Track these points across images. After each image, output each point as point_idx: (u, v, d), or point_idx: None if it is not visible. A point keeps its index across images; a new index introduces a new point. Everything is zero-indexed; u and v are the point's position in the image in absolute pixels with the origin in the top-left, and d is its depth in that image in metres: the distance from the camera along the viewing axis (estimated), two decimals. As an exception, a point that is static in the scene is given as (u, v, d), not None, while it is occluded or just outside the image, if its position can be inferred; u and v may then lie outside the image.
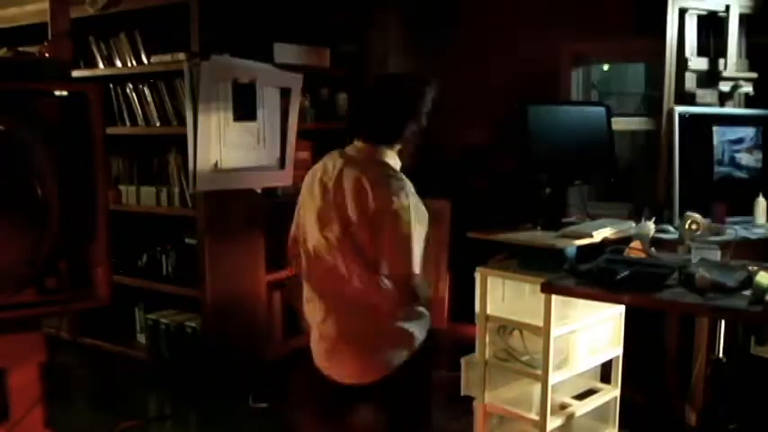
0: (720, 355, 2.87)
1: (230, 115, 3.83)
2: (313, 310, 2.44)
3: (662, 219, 3.36)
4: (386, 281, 2.27)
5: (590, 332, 3.09)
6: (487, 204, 4.46)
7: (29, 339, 2.15)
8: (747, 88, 3.68)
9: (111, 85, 4.34)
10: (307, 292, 2.46)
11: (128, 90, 4.33)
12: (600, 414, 3.26)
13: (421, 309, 2.41)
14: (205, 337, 4.07)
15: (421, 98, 2.40)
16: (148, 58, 4.20)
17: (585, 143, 3.34)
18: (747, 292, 2.32)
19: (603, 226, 3.06)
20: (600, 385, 3.32)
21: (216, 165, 3.81)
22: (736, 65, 3.67)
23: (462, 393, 3.23)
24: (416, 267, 2.25)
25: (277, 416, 3.77)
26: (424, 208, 2.32)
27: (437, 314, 4.72)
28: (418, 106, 2.38)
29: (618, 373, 3.25)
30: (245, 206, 4.12)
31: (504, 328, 3.05)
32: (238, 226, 4.12)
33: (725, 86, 3.65)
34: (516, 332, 3.04)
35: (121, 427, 3.62)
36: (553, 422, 2.94)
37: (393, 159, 2.38)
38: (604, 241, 2.98)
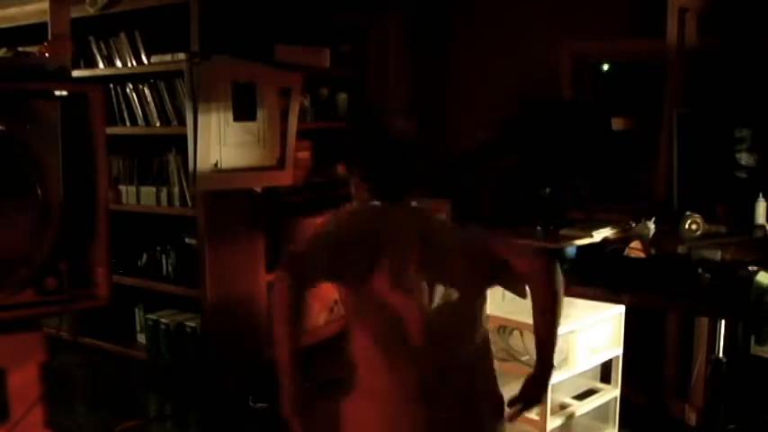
0: (720, 354, 2.87)
1: (230, 115, 3.83)
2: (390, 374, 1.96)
3: (662, 219, 3.36)
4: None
5: (590, 332, 3.09)
6: (487, 204, 4.46)
7: (29, 339, 2.16)
8: (747, 88, 3.67)
9: (111, 85, 4.34)
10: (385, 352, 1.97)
11: (128, 90, 4.32)
12: (600, 414, 3.26)
13: None
14: (205, 337, 4.07)
15: None
16: (148, 58, 4.20)
17: (585, 143, 3.34)
18: (747, 293, 2.33)
19: (603, 226, 3.06)
20: (600, 385, 3.32)
21: (216, 165, 3.81)
22: (736, 64, 3.67)
23: (462, 393, 3.23)
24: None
25: (277, 416, 3.77)
26: None
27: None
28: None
29: (618, 373, 3.25)
30: (245, 206, 4.13)
31: (504, 328, 3.05)
32: (238, 226, 4.12)
33: (725, 86, 3.64)
34: (516, 332, 3.04)
35: (122, 427, 3.62)
36: (553, 422, 2.95)
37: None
38: (604, 241, 2.98)
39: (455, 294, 1.99)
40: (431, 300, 1.96)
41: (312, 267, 1.91)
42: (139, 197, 4.34)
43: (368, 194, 2.07)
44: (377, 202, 2.06)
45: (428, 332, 1.95)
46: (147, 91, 4.25)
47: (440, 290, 1.98)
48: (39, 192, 1.97)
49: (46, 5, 3.08)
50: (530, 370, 2.74)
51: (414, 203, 2.08)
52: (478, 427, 2.05)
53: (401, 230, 2.00)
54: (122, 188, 4.40)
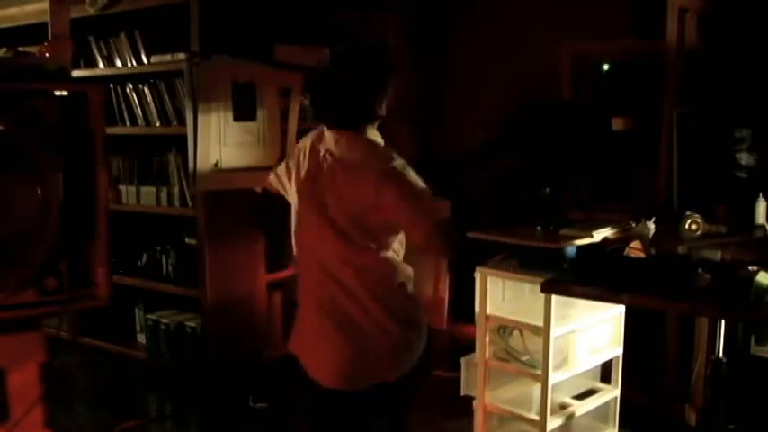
0: (720, 355, 2.87)
1: (230, 115, 3.83)
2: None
3: (662, 219, 3.36)
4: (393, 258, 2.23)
5: (590, 332, 3.09)
6: (487, 204, 4.46)
7: (29, 339, 2.15)
8: (747, 88, 3.67)
9: (111, 85, 4.34)
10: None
11: (128, 90, 4.33)
12: (600, 414, 3.26)
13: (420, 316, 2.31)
14: (205, 337, 4.07)
15: (388, 70, 2.26)
16: (148, 58, 4.20)
17: (585, 143, 3.34)
18: (747, 293, 2.32)
19: (603, 226, 3.06)
20: (600, 385, 3.32)
21: (216, 165, 3.81)
22: (736, 65, 3.67)
23: (462, 393, 3.23)
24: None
25: (277, 416, 3.77)
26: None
27: (437, 314, 4.72)
28: (386, 79, 2.24)
29: (618, 373, 3.25)
30: (245, 206, 4.12)
31: (504, 328, 3.05)
32: (238, 226, 4.12)
33: (725, 86, 3.64)
34: (516, 332, 3.04)
35: (122, 427, 3.62)
36: (553, 422, 2.94)
37: (375, 137, 2.26)
38: (604, 241, 2.98)
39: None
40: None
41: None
42: (139, 197, 4.34)
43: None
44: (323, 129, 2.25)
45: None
46: (147, 91, 4.25)
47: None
48: (39, 192, 1.97)
49: (46, 5, 3.09)
50: (530, 370, 2.75)
51: (349, 132, 2.19)
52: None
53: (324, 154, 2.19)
54: (122, 188, 4.40)
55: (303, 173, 2.26)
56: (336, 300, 2.21)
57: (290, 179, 2.35)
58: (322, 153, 2.22)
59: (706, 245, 2.82)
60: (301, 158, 2.29)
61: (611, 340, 3.22)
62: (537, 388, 2.96)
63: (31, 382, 2.16)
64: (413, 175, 2.15)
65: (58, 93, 2.05)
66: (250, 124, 3.93)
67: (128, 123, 4.36)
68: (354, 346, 2.20)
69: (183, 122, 3.93)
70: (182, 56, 3.83)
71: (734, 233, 3.14)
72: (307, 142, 2.31)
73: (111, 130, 4.15)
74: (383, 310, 2.19)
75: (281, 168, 2.43)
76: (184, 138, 3.78)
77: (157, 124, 4.24)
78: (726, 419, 2.95)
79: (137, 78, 4.29)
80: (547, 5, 4.35)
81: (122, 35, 4.35)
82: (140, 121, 4.31)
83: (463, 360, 3.24)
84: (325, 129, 2.24)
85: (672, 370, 3.55)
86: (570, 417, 3.08)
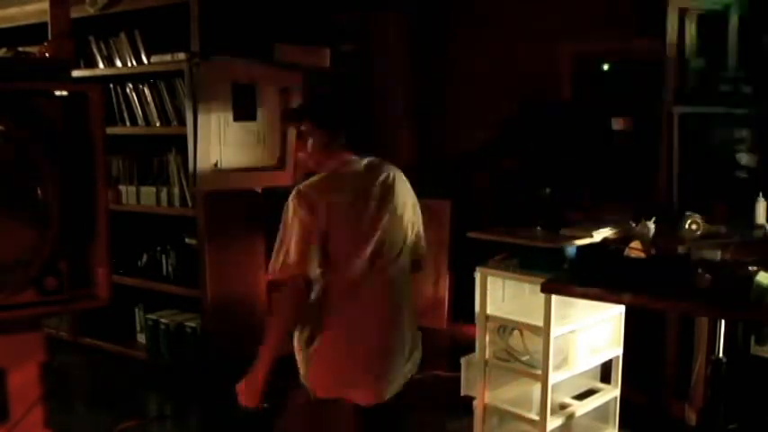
0: (720, 355, 2.87)
1: (230, 115, 3.83)
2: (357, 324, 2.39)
3: (662, 219, 3.36)
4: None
5: (590, 332, 3.09)
6: (487, 204, 4.46)
7: (29, 339, 2.15)
8: (747, 88, 3.67)
9: (111, 85, 4.34)
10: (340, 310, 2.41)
11: (128, 90, 4.33)
12: (600, 414, 3.26)
13: None
14: (205, 337, 4.07)
15: None
16: (148, 58, 4.21)
17: (585, 143, 3.35)
18: (747, 293, 2.32)
19: (603, 226, 3.06)
20: (600, 385, 3.32)
21: (216, 165, 3.82)
22: (736, 65, 3.67)
23: (462, 393, 3.23)
24: None
25: (277, 416, 3.77)
26: None
27: (437, 314, 4.73)
28: None
29: (618, 373, 3.25)
30: (245, 206, 4.13)
31: (504, 328, 3.05)
32: (238, 226, 4.12)
33: (725, 86, 3.64)
34: (516, 332, 3.04)
35: (122, 426, 3.62)
36: (553, 422, 2.94)
37: None
38: (604, 241, 2.98)
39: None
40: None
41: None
42: (139, 197, 4.34)
43: (322, 145, 2.49)
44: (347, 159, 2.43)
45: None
46: (147, 91, 4.25)
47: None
48: (38, 192, 1.97)
49: (46, 5, 3.09)
50: (530, 370, 2.77)
51: (372, 159, 2.43)
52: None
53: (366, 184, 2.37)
54: (122, 188, 4.40)
55: (358, 201, 2.36)
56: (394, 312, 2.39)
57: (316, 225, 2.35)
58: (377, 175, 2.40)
59: (706, 245, 2.82)
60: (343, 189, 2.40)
61: (611, 340, 3.22)
62: (537, 388, 2.96)
63: (31, 382, 2.16)
64: None
65: (58, 93, 2.04)
66: (250, 124, 3.93)
67: (128, 123, 4.36)
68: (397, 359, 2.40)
69: (183, 122, 3.94)
70: (182, 56, 3.84)
71: (734, 233, 3.14)
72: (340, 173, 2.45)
73: (111, 130, 4.16)
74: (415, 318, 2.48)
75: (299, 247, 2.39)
76: (184, 138, 3.78)
77: (157, 124, 4.24)
78: (726, 419, 2.95)
79: (137, 78, 4.29)
80: (547, 5, 4.35)
81: (122, 35, 4.35)
82: (140, 121, 4.31)
83: (463, 360, 3.24)
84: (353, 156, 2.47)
85: (672, 370, 3.55)
86: (570, 417, 3.08)
